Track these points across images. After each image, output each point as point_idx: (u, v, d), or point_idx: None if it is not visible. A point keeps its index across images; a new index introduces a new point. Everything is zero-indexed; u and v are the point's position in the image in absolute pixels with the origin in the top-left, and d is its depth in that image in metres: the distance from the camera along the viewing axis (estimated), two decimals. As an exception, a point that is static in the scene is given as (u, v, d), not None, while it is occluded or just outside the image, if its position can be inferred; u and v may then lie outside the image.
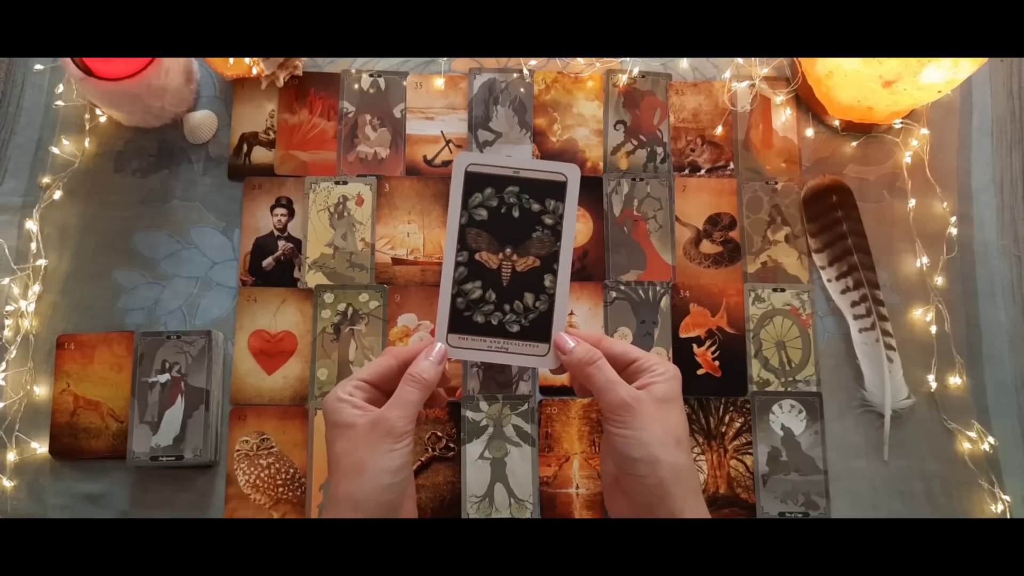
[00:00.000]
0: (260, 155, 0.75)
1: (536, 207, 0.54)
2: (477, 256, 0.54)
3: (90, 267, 0.73)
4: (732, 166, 0.76)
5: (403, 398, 0.52)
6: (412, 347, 0.55)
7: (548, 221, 0.54)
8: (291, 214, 0.74)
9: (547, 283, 0.54)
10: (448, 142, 0.76)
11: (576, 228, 0.74)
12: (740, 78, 0.78)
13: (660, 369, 0.55)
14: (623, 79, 0.78)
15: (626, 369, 0.56)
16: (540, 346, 0.55)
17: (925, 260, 0.74)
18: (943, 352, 0.72)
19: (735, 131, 0.77)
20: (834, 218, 0.74)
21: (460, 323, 0.55)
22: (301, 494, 0.69)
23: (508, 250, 0.54)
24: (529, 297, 0.54)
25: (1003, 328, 0.73)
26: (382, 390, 0.55)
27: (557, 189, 0.54)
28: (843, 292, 0.73)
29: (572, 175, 0.54)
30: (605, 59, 0.78)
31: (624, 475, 0.54)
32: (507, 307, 0.55)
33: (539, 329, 0.55)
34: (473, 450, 0.70)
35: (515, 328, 0.54)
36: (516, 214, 0.54)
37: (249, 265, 0.73)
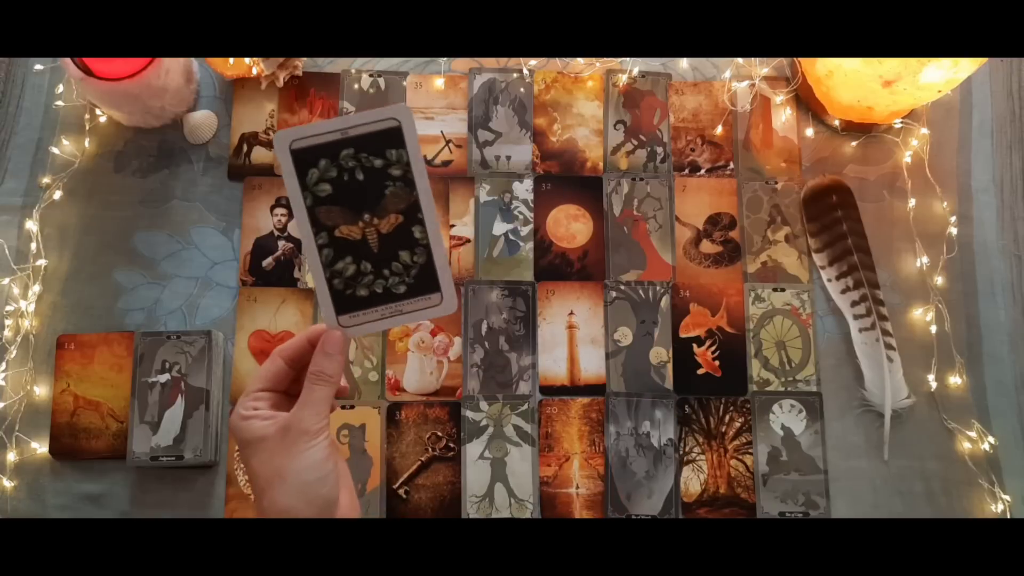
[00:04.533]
0: (260, 155, 0.75)
1: (379, 163, 0.50)
2: (337, 232, 0.51)
3: (90, 267, 0.73)
4: (732, 166, 0.76)
5: (311, 398, 0.50)
6: (295, 342, 0.53)
7: (396, 173, 0.50)
8: (291, 214, 0.74)
9: (418, 235, 0.51)
10: (448, 142, 0.76)
11: (575, 222, 0.74)
12: (740, 78, 0.78)
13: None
14: (623, 79, 0.78)
15: None
16: (432, 297, 0.52)
17: (925, 260, 0.74)
18: (943, 352, 0.72)
19: (735, 131, 0.77)
20: (834, 218, 0.74)
21: (345, 303, 0.52)
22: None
23: (367, 216, 0.51)
24: (405, 255, 0.51)
25: (1003, 328, 0.73)
26: (280, 391, 0.53)
27: (393, 137, 0.50)
28: (843, 292, 0.73)
29: (404, 116, 0.50)
30: (605, 59, 0.78)
31: None
32: (387, 271, 0.51)
33: (426, 281, 0.52)
34: (473, 450, 0.70)
35: (402, 289, 0.51)
36: (361, 177, 0.50)
37: (249, 265, 0.73)
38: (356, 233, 0.51)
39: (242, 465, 0.69)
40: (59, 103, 0.75)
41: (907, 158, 0.76)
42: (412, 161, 0.50)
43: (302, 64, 0.76)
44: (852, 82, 0.70)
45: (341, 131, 0.50)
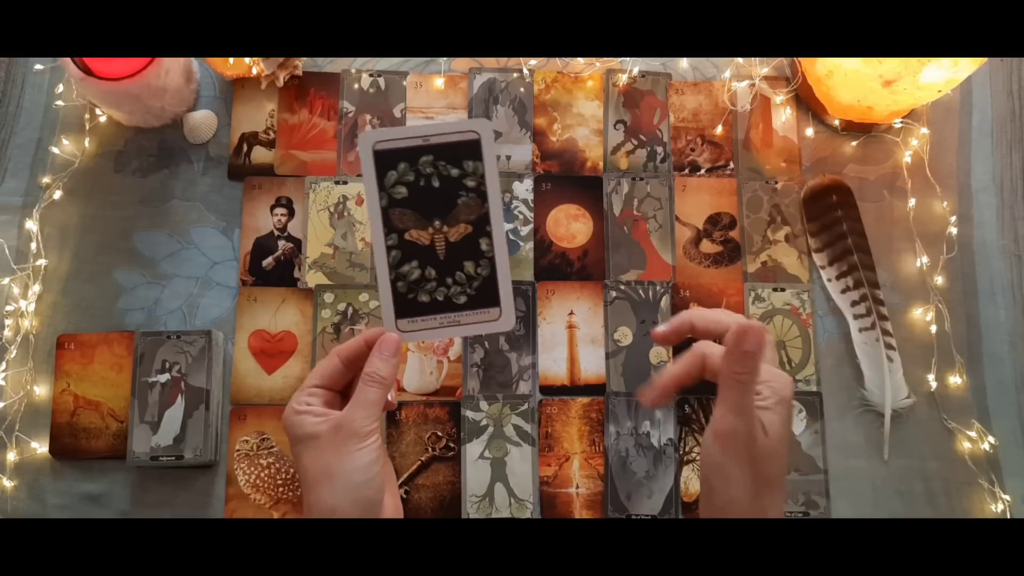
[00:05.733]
0: (260, 155, 0.75)
1: (455, 172, 0.52)
2: (407, 236, 0.52)
3: (90, 267, 0.73)
4: (732, 166, 0.76)
5: (364, 398, 0.51)
6: (352, 342, 0.54)
7: (470, 184, 0.52)
8: (291, 214, 0.74)
9: (484, 247, 0.52)
10: (448, 142, 0.76)
11: (574, 223, 0.74)
12: (740, 78, 0.78)
13: (771, 398, 0.50)
14: (623, 79, 0.77)
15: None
16: (491, 311, 0.53)
17: (925, 260, 0.74)
18: (943, 352, 0.72)
19: (735, 131, 0.77)
20: (834, 218, 0.74)
21: (406, 307, 0.52)
22: (301, 494, 0.69)
23: (437, 222, 0.52)
24: (470, 265, 0.52)
25: (1003, 328, 0.73)
26: (335, 391, 0.54)
27: (472, 148, 0.52)
28: (843, 292, 0.73)
29: (484, 130, 0.52)
30: (605, 59, 0.78)
31: (702, 494, 0.51)
32: (450, 280, 0.52)
33: (486, 295, 0.53)
34: (473, 450, 0.70)
35: (462, 299, 0.52)
36: (436, 184, 0.52)
37: (249, 265, 0.73)
38: (425, 238, 0.52)
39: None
40: (59, 103, 0.75)
41: (907, 158, 0.76)
42: (487, 174, 0.52)
43: (302, 64, 0.76)
44: (852, 82, 0.70)
45: (423, 138, 0.51)
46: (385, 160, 0.51)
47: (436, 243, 0.52)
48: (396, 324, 0.53)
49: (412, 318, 0.53)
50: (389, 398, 0.53)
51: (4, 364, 0.70)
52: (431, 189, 0.52)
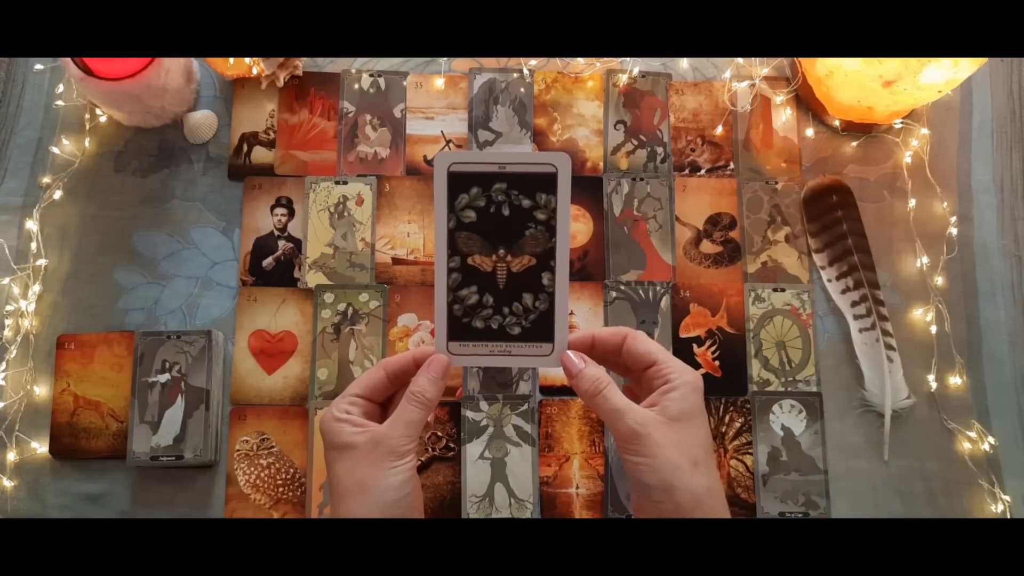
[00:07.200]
0: (260, 155, 0.75)
1: (527, 203, 0.51)
2: (470, 260, 0.52)
3: (90, 267, 0.73)
4: (732, 166, 0.76)
5: (405, 417, 0.50)
6: (401, 358, 0.54)
7: (541, 216, 0.51)
8: (291, 214, 0.74)
9: (545, 281, 0.52)
10: (448, 142, 0.76)
11: (571, 222, 0.74)
12: (740, 78, 0.78)
13: (677, 381, 0.51)
14: (623, 79, 0.78)
15: (646, 371, 0.53)
16: (544, 346, 0.53)
17: (925, 260, 0.74)
18: (943, 352, 0.72)
19: (735, 131, 0.77)
20: (834, 218, 0.74)
21: (459, 330, 0.53)
22: (301, 494, 0.69)
23: (502, 251, 0.52)
24: (528, 297, 0.52)
25: (1003, 328, 0.73)
26: (376, 402, 0.54)
27: (547, 181, 0.51)
28: (843, 292, 0.73)
29: (562, 165, 0.51)
30: (605, 59, 0.78)
31: (642, 499, 0.52)
32: (506, 310, 0.52)
33: (541, 329, 0.53)
34: (473, 450, 0.70)
35: (516, 330, 0.53)
36: (506, 212, 0.51)
37: (249, 265, 0.73)
38: (487, 265, 0.52)
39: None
40: (59, 103, 0.75)
41: (907, 158, 0.76)
42: (559, 209, 0.52)
43: (302, 64, 0.76)
44: (852, 82, 0.70)
45: (499, 165, 0.51)
46: (458, 182, 0.51)
47: (498, 271, 0.52)
48: (447, 346, 0.53)
49: (464, 342, 0.53)
50: (428, 419, 0.53)
51: (4, 364, 0.70)
52: (500, 217, 0.52)
